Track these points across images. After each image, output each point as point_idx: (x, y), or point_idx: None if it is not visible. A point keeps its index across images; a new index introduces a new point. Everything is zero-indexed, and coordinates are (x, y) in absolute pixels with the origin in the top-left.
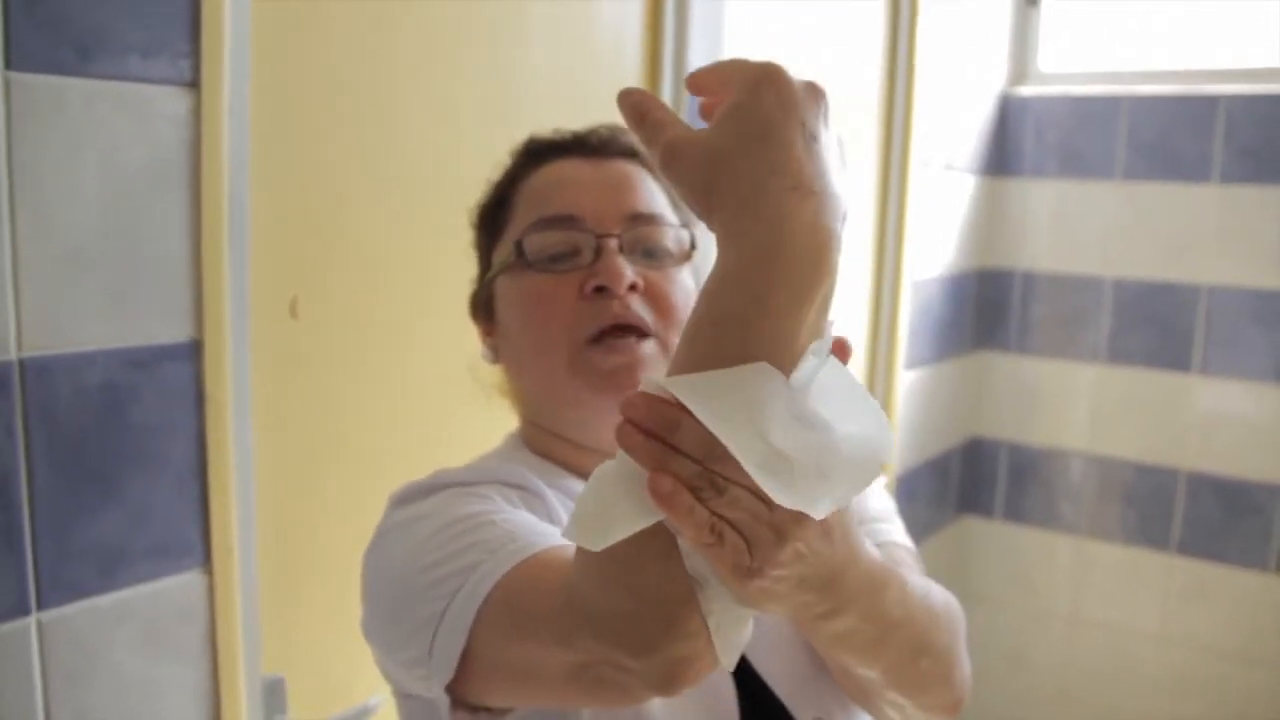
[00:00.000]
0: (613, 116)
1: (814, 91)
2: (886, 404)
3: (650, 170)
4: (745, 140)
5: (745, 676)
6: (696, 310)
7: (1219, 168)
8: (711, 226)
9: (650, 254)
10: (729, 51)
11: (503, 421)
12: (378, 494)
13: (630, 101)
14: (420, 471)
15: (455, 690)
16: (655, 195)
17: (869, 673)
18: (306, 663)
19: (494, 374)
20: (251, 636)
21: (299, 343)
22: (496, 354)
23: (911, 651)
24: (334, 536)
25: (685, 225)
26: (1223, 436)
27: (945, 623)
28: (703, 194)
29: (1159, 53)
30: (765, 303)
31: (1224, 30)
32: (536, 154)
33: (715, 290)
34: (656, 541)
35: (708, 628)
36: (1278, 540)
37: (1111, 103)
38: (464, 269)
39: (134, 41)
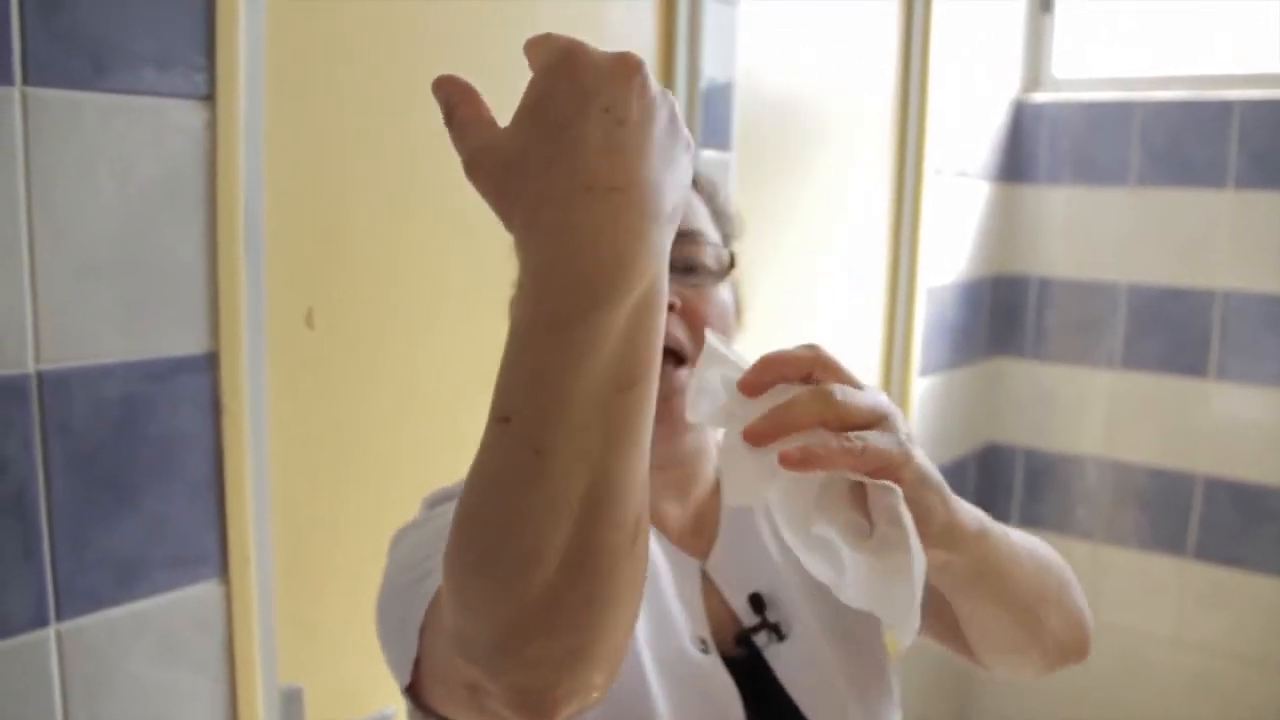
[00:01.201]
0: None
1: (624, 66)
2: (902, 410)
3: (693, 181)
4: (536, 140)
5: (764, 687)
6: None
7: (1233, 173)
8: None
9: (689, 271)
10: (742, 58)
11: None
12: (394, 502)
13: (440, 95)
14: (435, 480)
15: (416, 695)
16: (696, 210)
17: (999, 620)
18: (324, 672)
19: None
20: (268, 646)
21: (315, 353)
22: None
23: (1033, 588)
24: (351, 545)
25: (727, 239)
26: (1238, 441)
27: (1055, 565)
28: (499, 204)
29: (1173, 58)
30: (549, 315)
31: (1237, 35)
32: None
33: (512, 302)
34: (501, 565)
35: (552, 662)
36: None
37: (1125, 109)
38: (477, 278)
39: (149, 55)
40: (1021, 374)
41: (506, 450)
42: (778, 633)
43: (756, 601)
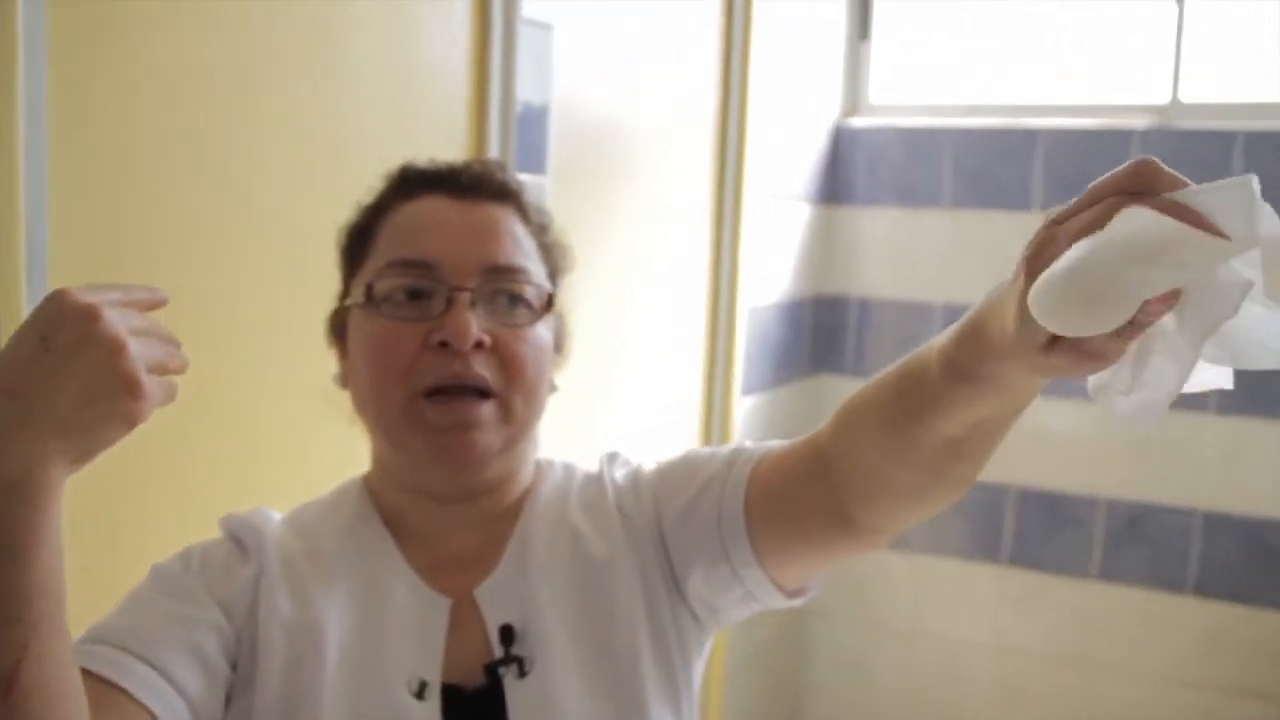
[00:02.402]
0: (438, 153)
1: (85, 311)
2: (724, 431)
3: (522, 213)
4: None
5: None
6: None
7: (1039, 197)
8: None
9: (508, 307)
10: (559, 82)
11: (321, 458)
12: (187, 531)
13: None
14: (232, 506)
15: None
16: (520, 243)
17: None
18: None
19: (348, 400)
20: None
21: None
22: (345, 381)
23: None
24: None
25: (557, 274)
26: (1048, 452)
27: None
28: None
29: (983, 87)
30: None
31: (1041, 68)
32: (407, 185)
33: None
34: None
35: None
36: (1098, 550)
37: (938, 134)
38: (282, 300)
39: None
40: (843, 391)
41: None
42: (521, 667)
43: (507, 633)
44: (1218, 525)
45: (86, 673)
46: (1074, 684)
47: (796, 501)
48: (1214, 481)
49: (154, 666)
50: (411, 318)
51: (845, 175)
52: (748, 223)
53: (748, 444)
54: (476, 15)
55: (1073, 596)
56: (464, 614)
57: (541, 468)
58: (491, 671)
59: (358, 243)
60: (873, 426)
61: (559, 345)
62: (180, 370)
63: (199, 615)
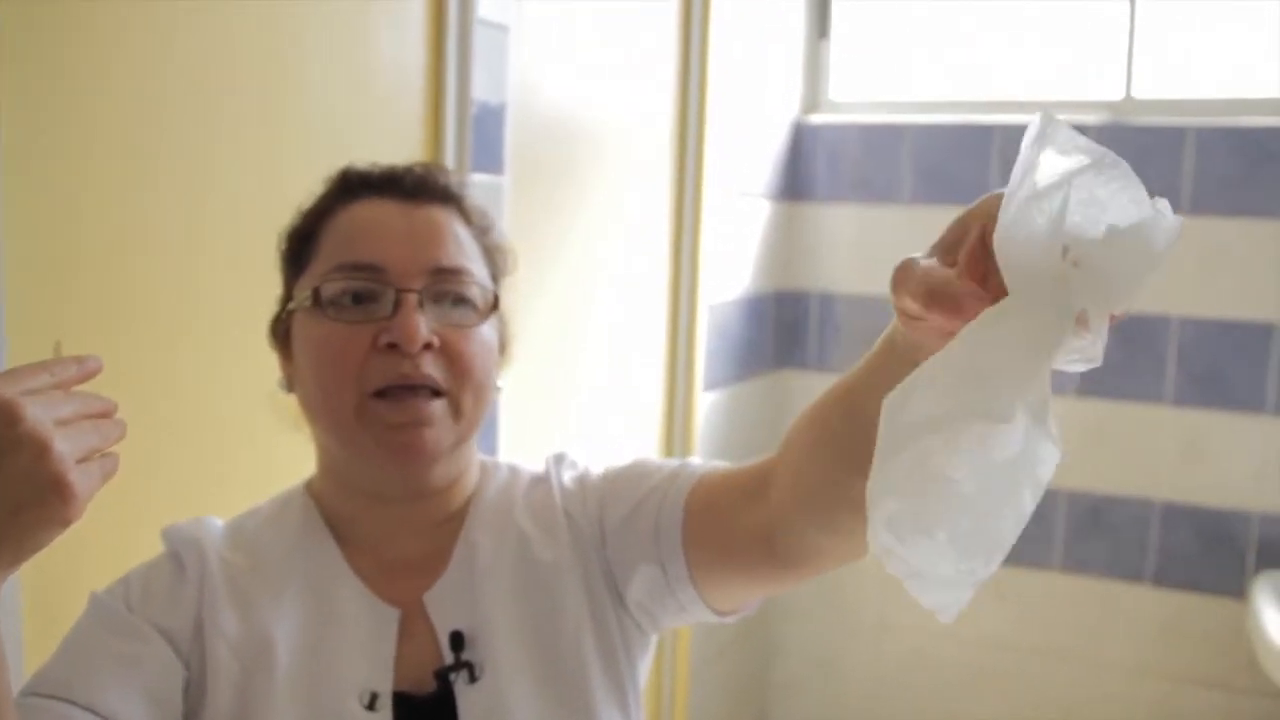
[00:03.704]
0: (393, 154)
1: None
2: (686, 426)
3: (465, 215)
4: None
5: None
6: None
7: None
8: None
9: (454, 306)
10: (515, 81)
11: (267, 473)
12: (146, 543)
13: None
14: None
15: None
16: (464, 245)
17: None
18: None
19: (292, 404)
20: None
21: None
22: (291, 386)
23: None
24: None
25: (498, 275)
26: None
27: None
28: None
29: (941, 84)
30: None
31: (997, 64)
32: (349, 188)
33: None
34: None
35: None
36: (1059, 542)
37: (897, 130)
38: (235, 309)
39: None
40: (805, 386)
41: None
42: (471, 673)
43: (457, 639)
44: (1175, 516)
45: None
46: (1039, 673)
47: (731, 521)
48: (1172, 473)
49: (101, 716)
50: (358, 320)
51: (805, 172)
52: (708, 220)
53: (695, 459)
54: (432, 16)
55: (1037, 587)
56: (412, 621)
57: (486, 468)
58: (442, 678)
59: (300, 247)
60: (806, 449)
61: (503, 346)
62: (116, 441)
63: (145, 653)
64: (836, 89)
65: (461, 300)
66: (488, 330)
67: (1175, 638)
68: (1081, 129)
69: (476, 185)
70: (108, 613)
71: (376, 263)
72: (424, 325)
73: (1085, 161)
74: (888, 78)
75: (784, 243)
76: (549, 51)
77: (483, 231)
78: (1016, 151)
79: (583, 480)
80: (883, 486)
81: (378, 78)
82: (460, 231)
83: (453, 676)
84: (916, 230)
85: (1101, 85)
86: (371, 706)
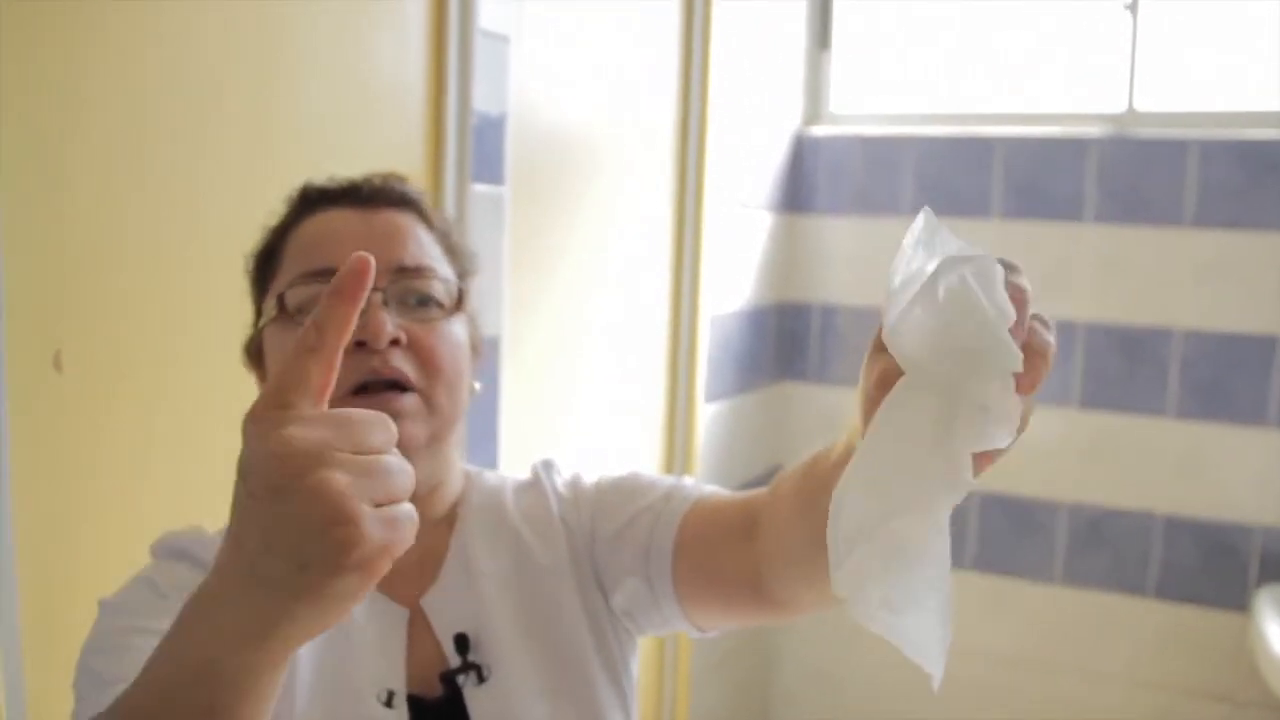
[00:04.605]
0: (393, 165)
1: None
2: (688, 437)
3: (424, 219)
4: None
5: None
6: None
7: (998, 204)
8: None
9: (419, 306)
10: (516, 92)
11: None
12: (144, 550)
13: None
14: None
15: None
16: (425, 246)
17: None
18: None
19: None
20: (15, 698)
21: (64, 396)
22: None
23: None
24: (101, 591)
25: (462, 275)
26: (1009, 458)
27: None
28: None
29: (942, 96)
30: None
31: (999, 77)
32: (308, 202)
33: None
34: None
35: None
36: (1060, 555)
37: (898, 143)
38: (231, 318)
39: None
40: (806, 397)
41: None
42: (479, 674)
43: (461, 642)
44: (1177, 529)
45: None
46: (1039, 686)
47: (720, 556)
48: (1174, 486)
49: None
50: None
51: (806, 184)
52: (709, 231)
53: (689, 480)
54: (433, 27)
55: (1037, 600)
56: (411, 624)
57: (470, 477)
58: (449, 681)
59: (265, 264)
60: (795, 512)
61: (474, 346)
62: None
63: None
64: (838, 101)
65: (426, 298)
66: (456, 327)
67: (1177, 651)
68: (1083, 142)
69: (477, 196)
70: (139, 603)
71: (336, 266)
72: (389, 322)
73: (956, 254)
74: (889, 90)
75: (785, 254)
76: (550, 62)
77: (443, 234)
78: (1018, 165)
79: (574, 486)
80: (860, 578)
81: (378, 88)
82: (421, 233)
83: (460, 679)
84: None
85: (1104, 98)
86: (389, 704)
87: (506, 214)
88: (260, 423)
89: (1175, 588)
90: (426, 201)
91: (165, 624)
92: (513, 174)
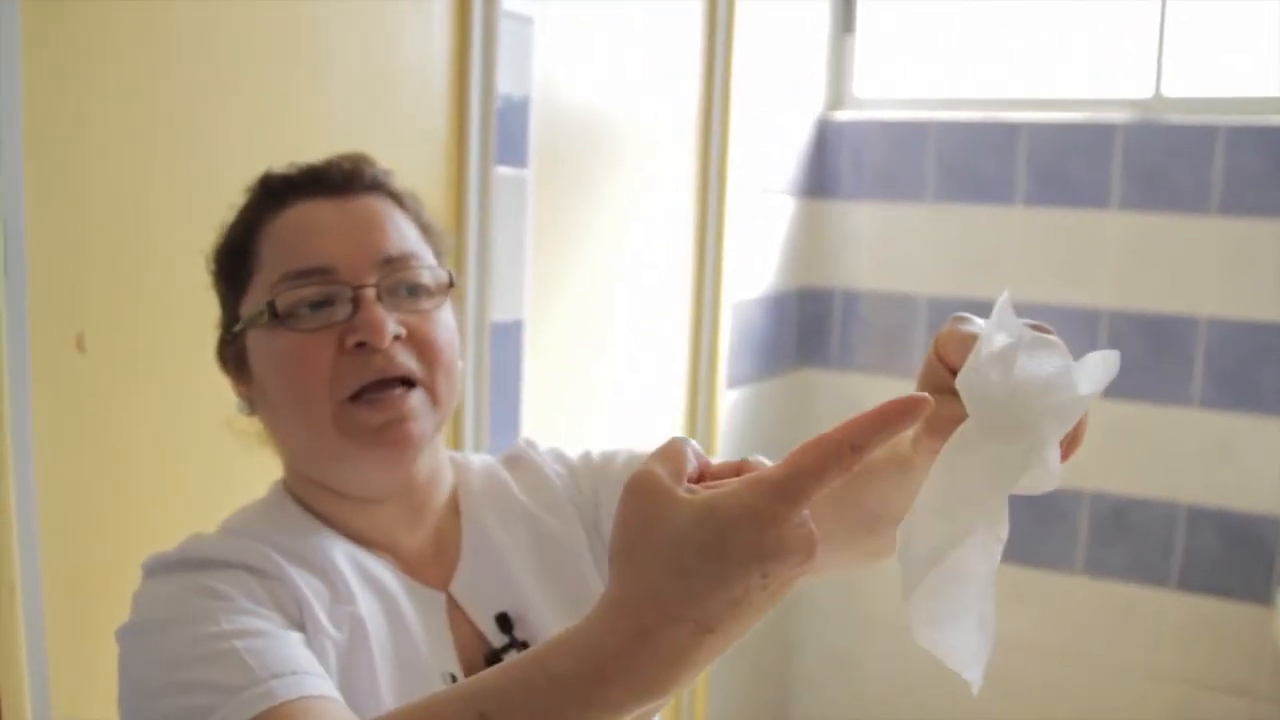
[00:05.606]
0: (417, 148)
1: (806, 551)
2: (709, 424)
3: (397, 201)
4: (695, 550)
5: None
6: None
7: (1021, 190)
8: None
9: (410, 296)
10: (540, 75)
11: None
12: (168, 532)
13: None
14: (220, 512)
15: None
16: (405, 231)
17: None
18: (101, 704)
19: (253, 423)
20: (39, 680)
21: (87, 378)
22: (253, 407)
23: None
24: (125, 575)
25: (438, 256)
26: None
27: None
28: (616, 548)
29: (966, 81)
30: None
31: (1024, 62)
32: (275, 194)
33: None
34: None
35: None
36: (1083, 544)
37: (921, 128)
38: None
39: None
40: (828, 384)
41: None
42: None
43: (504, 621)
44: (1201, 519)
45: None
46: (1060, 677)
47: None
48: (1197, 475)
49: (310, 672)
50: (319, 327)
51: (829, 169)
52: (731, 216)
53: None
54: (457, 9)
55: (1059, 590)
56: (448, 610)
57: (457, 462)
58: (496, 660)
59: (237, 263)
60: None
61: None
62: None
63: (271, 623)
64: (861, 86)
65: (416, 287)
66: (446, 312)
67: (1199, 643)
68: (1110, 128)
69: (500, 179)
70: (217, 600)
71: (324, 264)
72: (389, 319)
73: (1028, 336)
74: (913, 74)
75: (807, 240)
76: (574, 45)
77: (416, 214)
78: (1043, 150)
79: (563, 460)
80: (920, 595)
81: (402, 70)
82: (398, 218)
83: (506, 658)
84: (940, 228)
85: (1131, 83)
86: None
87: (530, 197)
88: (782, 524)
89: (1198, 579)
90: (396, 182)
91: (251, 624)
92: (536, 157)
